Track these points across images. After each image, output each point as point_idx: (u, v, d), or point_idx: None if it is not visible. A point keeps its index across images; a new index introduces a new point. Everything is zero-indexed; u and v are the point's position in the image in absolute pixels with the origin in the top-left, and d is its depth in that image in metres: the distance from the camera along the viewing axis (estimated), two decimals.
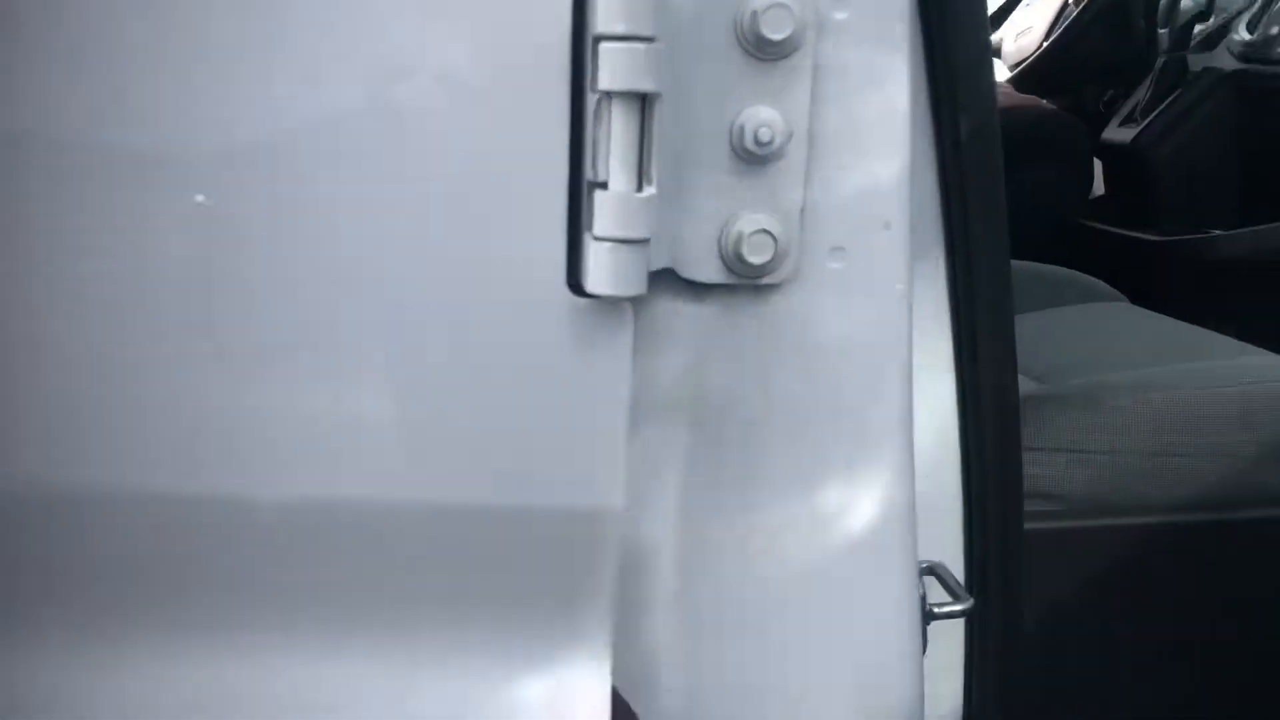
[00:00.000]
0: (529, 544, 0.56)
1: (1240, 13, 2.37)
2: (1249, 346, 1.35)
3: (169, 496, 0.54)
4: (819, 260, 0.62)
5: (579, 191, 0.54)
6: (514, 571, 0.56)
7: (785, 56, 0.59)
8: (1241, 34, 2.26)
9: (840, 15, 0.60)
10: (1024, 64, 2.63)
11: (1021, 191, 2.29)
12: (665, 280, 0.61)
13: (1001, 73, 2.63)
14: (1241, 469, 1.13)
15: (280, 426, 0.55)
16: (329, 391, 0.55)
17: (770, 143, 0.59)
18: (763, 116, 0.59)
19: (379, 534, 0.55)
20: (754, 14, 0.58)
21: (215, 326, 0.55)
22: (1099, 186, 2.49)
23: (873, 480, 0.67)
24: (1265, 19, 2.22)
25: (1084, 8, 2.58)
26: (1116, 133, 2.32)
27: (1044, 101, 2.54)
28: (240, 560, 0.54)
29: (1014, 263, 1.97)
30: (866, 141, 0.62)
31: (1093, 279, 1.78)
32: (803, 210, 0.61)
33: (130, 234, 0.53)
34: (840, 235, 0.63)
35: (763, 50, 0.59)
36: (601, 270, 0.52)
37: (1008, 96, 2.56)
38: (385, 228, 0.54)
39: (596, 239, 0.52)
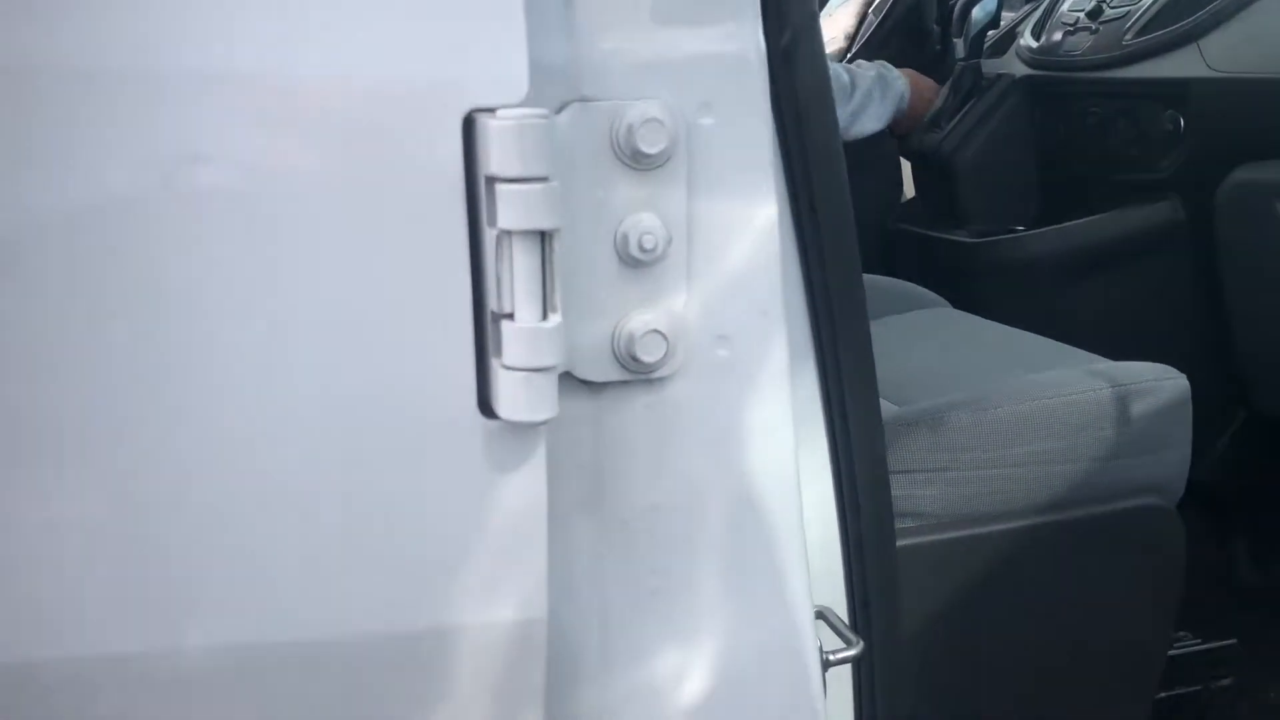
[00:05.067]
0: (460, 662, 0.57)
1: (1024, 19, 2.54)
2: (1068, 350, 1.46)
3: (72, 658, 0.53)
4: (706, 349, 0.66)
5: (483, 319, 0.56)
6: (448, 689, 0.57)
7: (661, 165, 0.62)
8: (1028, 40, 2.41)
9: (707, 121, 0.64)
10: None
11: None
12: (561, 381, 0.63)
13: None
14: (1069, 471, 1.23)
15: (200, 568, 0.55)
16: (243, 530, 0.55)
17: (654, 249, 0.62)
18: (645, 224, 0.62)
19: (306, 670, 0.56)
20: (629, 128, 0.61)
21: (122, 473, 0.54)
22: (909, 190, 2.62)
23: (769, 543, 0.71)
24: (1048, 25, 2.38)
25: (884, 17, 2.71)
26: (923, 139, 2.45)
27: None
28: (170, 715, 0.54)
29: None
30: (739, 234, 0.66)
31: (915, 286, 1.88)
32: (686, 306, 0.64)
33: None
34: (724, 325, 0.66)
35: (639, 162, 0.62)
36: (515, 398, 0.54)
37: None
38: (296, 361, 0.55)
39: (507, 368, 0.54)
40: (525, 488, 0.56)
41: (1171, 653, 1.35)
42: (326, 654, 0.55)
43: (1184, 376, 1.31)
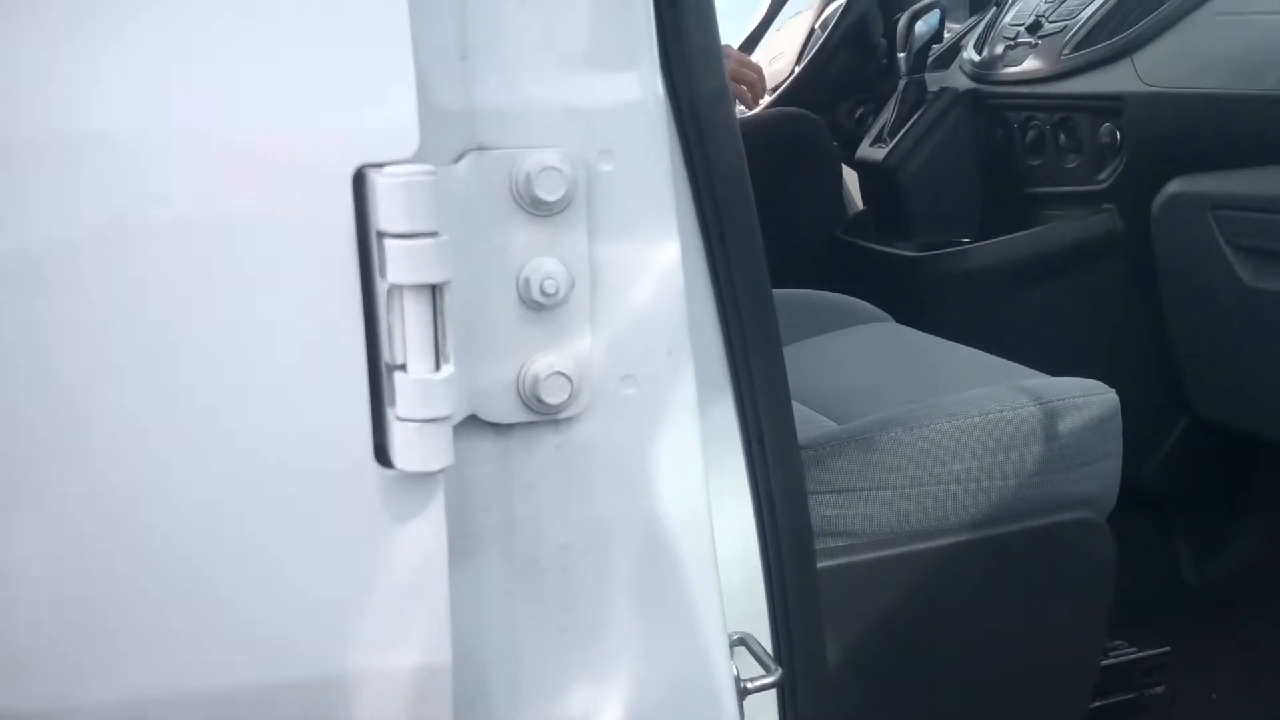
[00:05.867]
0: (362, 712, 0.58)
1: (967, 33, 2.57)
2: (1005, 365, 1.48)
3: None
4: (613, 389, 0.67)
5: (378, 370, 0.56)
6: None
7: (561, 212, 0.63)
8: (971, 54, 2.45)
9: (607, 168, 0.65)
10: (780, 88, 2.77)
11: (781, 209, 2.40)
12: (468, 424, 0.64)
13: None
14: (1000, 488, 1.25)
15: (89, 620, 0.55)
16: (135, 581, 0.55)
17: (556, 293, 0.63)
18: (547, 268, 0.63)
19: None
20: (528, 176, 0.62)
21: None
22: (858, 203, 2.65)
23: (680, 576, 0.72)
24: (990, 40, 2.42)
25: (830, 32, 2.74)
26: (869, 151, 2.48)
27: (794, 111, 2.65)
28: None
29: (782, 292, 2.09)
30: (642, 276, 0.67)
31: (857, 301, 1.89)
32: (591, 347, 0.65)
33: None
34: (629, 364, 0.67)
35: (539, 208, 0.63)
36: (409, 449, 0.55)
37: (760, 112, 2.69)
38: (192, 411, 0.55)
39: (401, 419, 0.55)
40: (424, 536, 0.57)
41: (1106, 662, 1.38)
42: (223, 705, 0.55)
43: (1113, 391, 1.33)
